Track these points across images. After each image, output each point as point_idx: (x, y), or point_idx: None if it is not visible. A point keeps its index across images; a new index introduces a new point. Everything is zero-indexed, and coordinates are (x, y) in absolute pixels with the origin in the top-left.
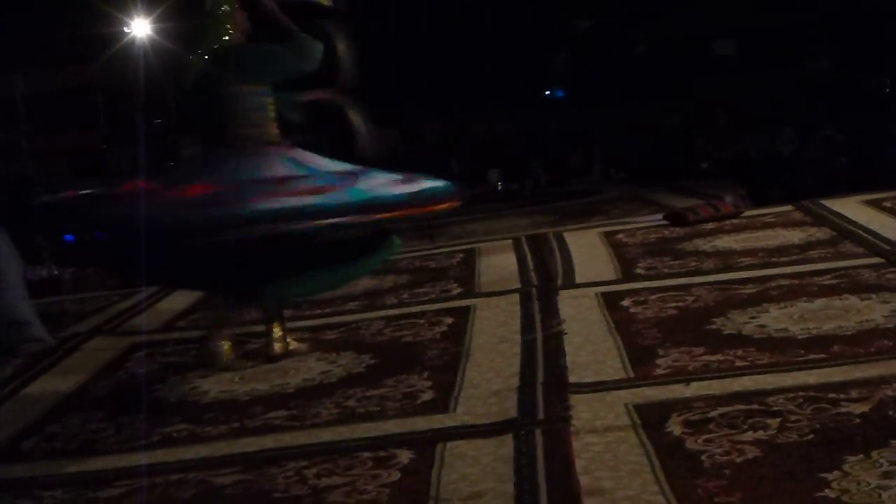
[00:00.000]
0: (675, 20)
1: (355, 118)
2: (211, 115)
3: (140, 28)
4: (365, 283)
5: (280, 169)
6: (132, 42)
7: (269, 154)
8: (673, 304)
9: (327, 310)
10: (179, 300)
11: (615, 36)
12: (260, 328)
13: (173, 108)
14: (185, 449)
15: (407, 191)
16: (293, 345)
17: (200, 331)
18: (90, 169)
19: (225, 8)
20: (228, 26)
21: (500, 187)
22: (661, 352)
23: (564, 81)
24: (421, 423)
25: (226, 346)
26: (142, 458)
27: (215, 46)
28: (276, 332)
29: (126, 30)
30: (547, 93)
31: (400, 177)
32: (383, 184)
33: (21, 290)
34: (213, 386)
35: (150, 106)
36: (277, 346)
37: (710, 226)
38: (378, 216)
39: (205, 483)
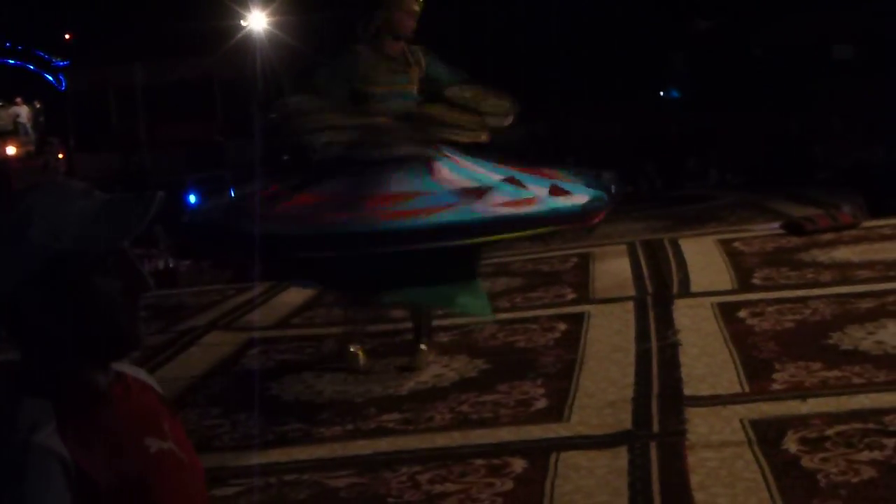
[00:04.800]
0: (795, 24)
1: None
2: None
3: (257, 21)
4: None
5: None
6: (249, 35)
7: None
8: (790, 317)
9: (439, 312)
10: (294, 296)
11: (734, 38)
12: (373, 328)
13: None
14: (299, 449)
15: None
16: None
17: (316, 328)
18: (206, 160)
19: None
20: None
21: (613, 190)
22: (777, 366)
23: (681, 82)
24: (535, 432)
25: (360, 351)
26: (257, 458)
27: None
28: (424, 346)
29: (243, 23)
30: (661, 93)
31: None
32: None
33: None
34: (327, 386)
35: (266, 99)
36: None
37: (828, 236)
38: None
39: (319, 485)
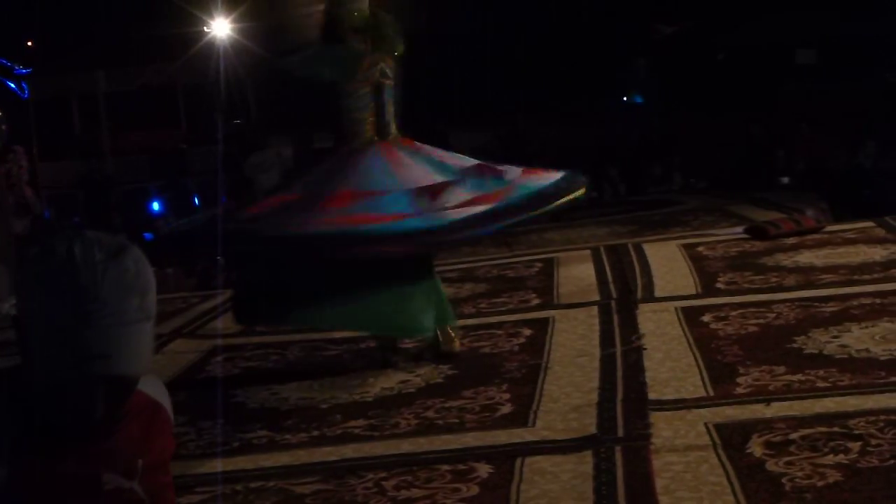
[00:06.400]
0: (758, 28)
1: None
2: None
3: (220, 28)
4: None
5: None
6: (212, 41)
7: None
8: (754, 321)
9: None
10: None
11: (697, 42)
12: (338, 335)
13: (255, 107)
14: (265, 456)
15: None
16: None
17: (281, 335)
18: (170, 167)
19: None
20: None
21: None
22: (741, 370)
23: (644, 87)
24: (500, 437)
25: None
26: (222, 465)
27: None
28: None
29: (206, 29)
30: (625, 98)
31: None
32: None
33: (124, 318)
34: (292, 392)
35: (230, 105)
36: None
37: (792, 240)
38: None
39: (285, 492)
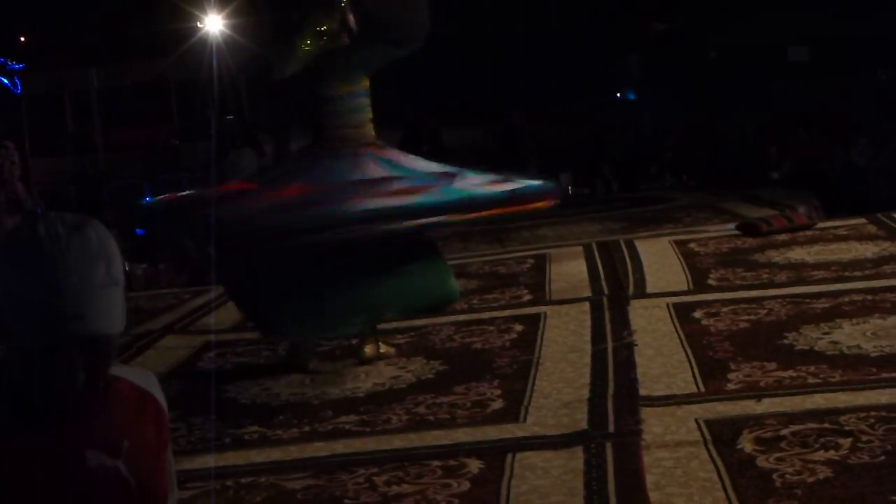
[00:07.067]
0: (750, 26)
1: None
2: (308, 115)
3: (213, 24)
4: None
5: (375, 170)
6: (205, 38)
7: (365, 155)
8: (745, 317)
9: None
10: None
11: (689, 40)
12: None
13: (248, 104)
14: (256, 452)
15: (503, 189)
16: (384, 348)
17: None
18: (162, 163)
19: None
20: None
21: (570, 192)
22: (732, 366)
23: (636, 85)
24: (491, 433)
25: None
26: (213, 460)
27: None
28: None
29: (199, 25)
30: (618, 95)
31: (496, 177)
32: (479, 183)
33: (93, 282)
34: (284, 388)
35: (223, 101)
36: (368, 350)
37: (783, 237)
38: (475, 214)
39: (276, 487)
